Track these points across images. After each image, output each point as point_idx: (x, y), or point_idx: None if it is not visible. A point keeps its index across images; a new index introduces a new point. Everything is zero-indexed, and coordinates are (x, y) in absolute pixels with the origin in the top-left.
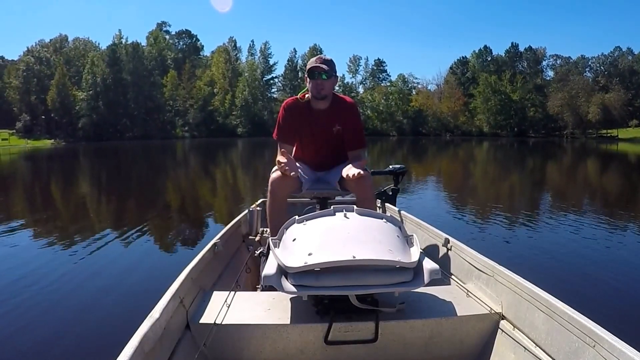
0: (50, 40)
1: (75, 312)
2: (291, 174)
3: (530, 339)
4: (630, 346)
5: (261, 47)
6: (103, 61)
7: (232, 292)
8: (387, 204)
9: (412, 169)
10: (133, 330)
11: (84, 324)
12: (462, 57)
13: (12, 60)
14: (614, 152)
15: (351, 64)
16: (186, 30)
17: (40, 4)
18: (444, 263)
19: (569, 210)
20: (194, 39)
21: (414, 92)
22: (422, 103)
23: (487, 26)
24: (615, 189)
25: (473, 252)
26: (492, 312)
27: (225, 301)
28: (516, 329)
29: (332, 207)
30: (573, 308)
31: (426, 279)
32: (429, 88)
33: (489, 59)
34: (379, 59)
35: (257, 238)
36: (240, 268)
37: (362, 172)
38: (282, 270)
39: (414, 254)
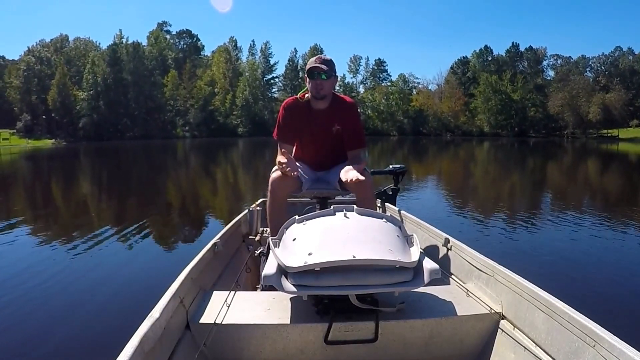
0: (51, 40)
1: (74, 311)
2: (291, 173)
3: (530, 338)
4: (630, 346)
5: (262, 47)
6: (104, 61)
7: (232, 292)
8: (387, 204)
9: (412, 169)
10: (133, 330)
11: (84, 324)
12: (463, 57)
13: (13, 60)
14: (615, 152)
15: (352, 64)
16: (187, 30)
17: (40, 3)
18: (444, 263)
19: (569, 210)
20: (195, 38)
21: (414, 92)
22: (422, 103)
23: (487, 26)
24: (615, 189)
25: (473, 251)
26: (492, 311)
27: (225, 301)
28: (516, 329)
29: (332, 206)
30: (573, 308)
31: (426, 278)
32: (429, 88)
33: (490, 58)
34: (379, 59)
35: (257, 238)
36: (240, 268)
37: (359, 176)
38: (282, 270)
39: (414, 253)
